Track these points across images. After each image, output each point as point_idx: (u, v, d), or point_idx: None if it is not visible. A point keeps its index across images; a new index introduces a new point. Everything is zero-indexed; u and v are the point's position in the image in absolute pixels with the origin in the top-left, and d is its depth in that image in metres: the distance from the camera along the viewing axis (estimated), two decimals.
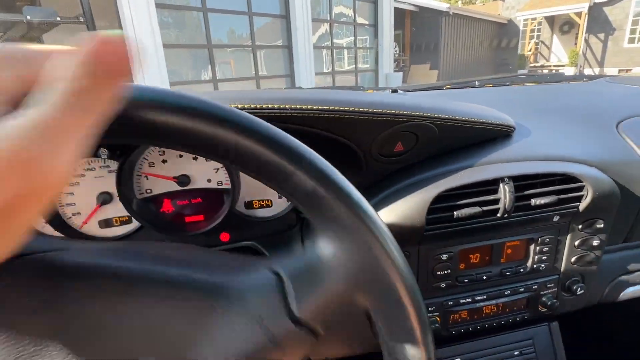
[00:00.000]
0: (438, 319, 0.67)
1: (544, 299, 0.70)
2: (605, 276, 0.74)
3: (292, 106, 0.48)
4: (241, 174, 0.57)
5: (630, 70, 13.17)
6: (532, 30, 15.33)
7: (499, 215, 0.59)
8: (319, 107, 0.49)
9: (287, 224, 0.62)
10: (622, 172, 0.67)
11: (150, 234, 0.56)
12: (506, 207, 0.59)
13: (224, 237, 0.59)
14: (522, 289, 0.68)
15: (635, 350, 1.01)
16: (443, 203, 0.58)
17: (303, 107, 0.48)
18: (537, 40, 15.16)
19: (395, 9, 10.91)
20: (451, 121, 0.58)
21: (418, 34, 14.65)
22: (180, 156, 0.55)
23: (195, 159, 0.56)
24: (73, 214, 0.54)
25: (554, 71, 14.48)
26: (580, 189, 0.62)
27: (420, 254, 0.62)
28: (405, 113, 0.54)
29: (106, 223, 0.56)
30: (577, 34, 14.77)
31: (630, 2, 12.60)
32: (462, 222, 0.59)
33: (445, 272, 0.63)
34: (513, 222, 0.62)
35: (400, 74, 11.18)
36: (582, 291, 0.70)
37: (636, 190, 0.68)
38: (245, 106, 0.46)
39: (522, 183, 0.60)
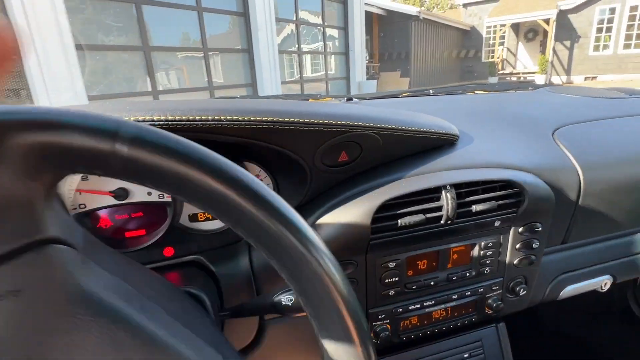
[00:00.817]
0: (389, 326, 0.67)
1: (489, 301, 0.72)
2: (546, 276, 0.78)
3: (228, 117, 0.46)
4: None
5: (596, 77, 13.22)
6: (502, 37, 15.10)
7: (442, 222, 0.62)
8: (255, 119, 0.47)
9: (234, 236, 0.60)
10: (556, 177, 0.70)
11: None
12: (449, 213, 0.60)
13: (168, 251, 0.57)
14: (469, 293, 0.70)
15: (578, 344, 1.14)
16: (387, 212, 0.59)
17: (240, 118, 0.47)
18: (503, 48, 14.95)
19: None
20: (395, 131, 0.59)
21: (387, 40, 13.92)
22: None
23: None
24: None
25: (522, 79, 14.32)
26: (519, 194, 0.65)
27: (367, 262, 0.62)
28: (347, 123, 0.54)
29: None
30: (542, 41, 14.76)
31: (594, 10, 12.60)
32: (407, 229, 0.61)
33: (394, 279, 0.64)
34: (457, 228, 0.64)
35: (375, 81, 10.24)
36: (525, 292, 0.74)
37: (570, 195, 0.72)
38: (177, 118, 0.43)
39: (464, 190, 0.63)
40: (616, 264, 0.83)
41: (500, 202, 0.64)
